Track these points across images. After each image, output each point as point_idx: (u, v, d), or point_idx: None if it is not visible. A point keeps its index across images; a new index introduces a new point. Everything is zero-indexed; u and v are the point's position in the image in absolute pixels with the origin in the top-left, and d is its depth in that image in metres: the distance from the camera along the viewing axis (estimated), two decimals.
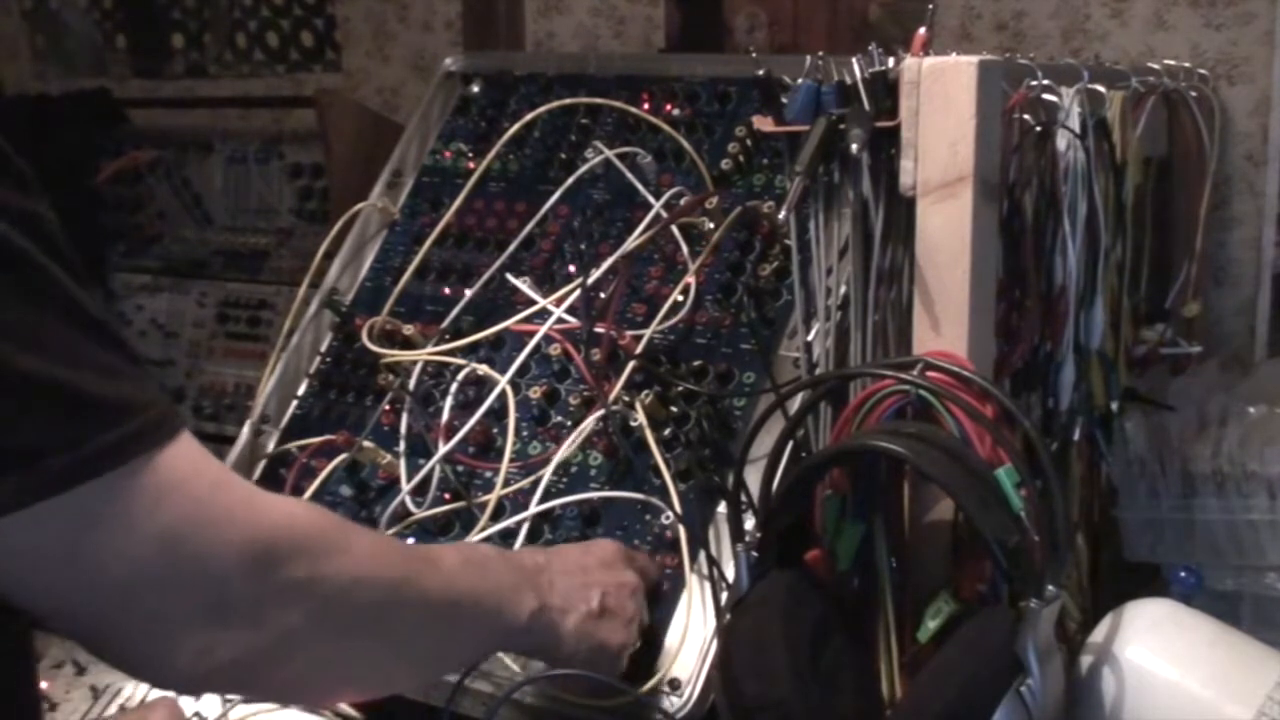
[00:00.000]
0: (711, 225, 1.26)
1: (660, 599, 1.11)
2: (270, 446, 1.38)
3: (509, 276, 1.34)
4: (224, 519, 0.75)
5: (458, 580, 0.92)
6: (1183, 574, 1.23)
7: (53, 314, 0.69)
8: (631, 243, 1.28)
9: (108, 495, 0.69)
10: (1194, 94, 1.49)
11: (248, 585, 0.75)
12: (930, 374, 0.97)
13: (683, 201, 1.29)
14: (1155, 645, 1.03)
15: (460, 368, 1.29)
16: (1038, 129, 1.08)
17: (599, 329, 1.22)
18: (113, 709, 1.24)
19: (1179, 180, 1.49)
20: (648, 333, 1.23)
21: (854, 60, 1.03)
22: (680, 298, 1.25)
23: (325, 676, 0.84)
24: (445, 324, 1.34)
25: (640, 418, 1.17)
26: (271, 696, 0.87)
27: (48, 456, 0.67)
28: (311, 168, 1.97)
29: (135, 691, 1.24)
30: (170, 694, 1.05)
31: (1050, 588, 0.90)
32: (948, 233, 1.01)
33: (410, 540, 1.22)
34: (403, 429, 1.29)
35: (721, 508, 1.12)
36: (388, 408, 1.31)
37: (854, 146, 1.00)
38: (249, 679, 0.80)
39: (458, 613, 0.92)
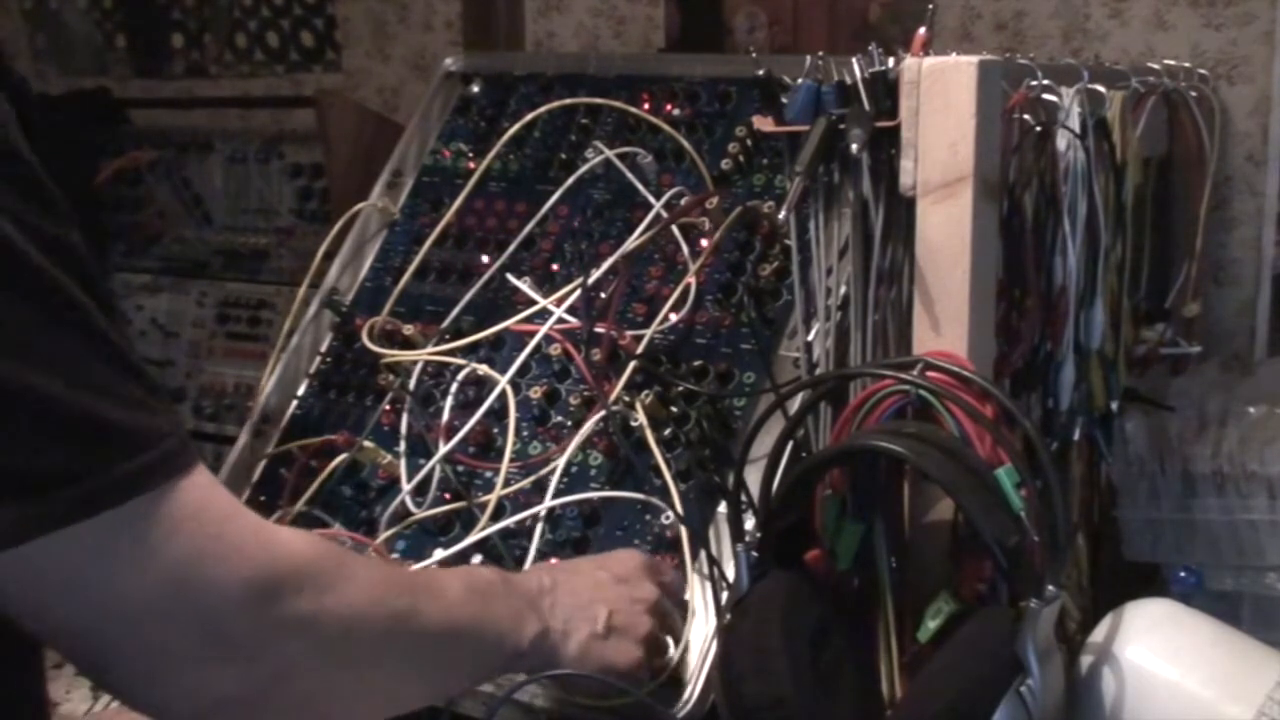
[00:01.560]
0: (711, 225, 1.26)
1: (685, 611, 1.10)
2: (270, 446, 1.38)
3: (509, 276, 1.34)
4: (233, 552, 0.75)
5: (460, 609, 0.92)
6: (1183, 574, 1.23)
7: (78, 342, 0.69)
8: (631, 243, 1.28)
9: (123, 525, 0.69)
10: (1194, 94, 1.49)
11: (251, 619, 0.75)
12: (930, 374, 0.97)
13: (683, 201, 1.29)
14: (1155, 645, 1.03)
15: (460, 368, 1.29)
16: (1038, 129, 1.08)
17: (599, 329, 1.22)
18: (114, 707, 1.24)
19: (1179, 180, 1.49)
20: (648, 333, 1.23)
21: (854, 60, 1.03)
22: (680, 298, 1.24)
23: (325, 707, 0.84)
24: (445, 324, 1.34)
25: (640, 418, 1.17)
26: None
27: (67, 484, 0.67)
28: (311, 168, 1.96)
29: None
30: None
31: (1050, 588, 0.90)
32: (948, 233, 1.01)
33: (409, 542, 1.23)
34: (403, 429, 1.29)
35: (721, 508, 1.12)
36: (388, 408, 1.31)
37: (854, 146, 1.00)
38: (249, 711, 0.80)
39: (459, 641, 0.93)
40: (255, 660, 0.76)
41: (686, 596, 1.11)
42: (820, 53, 1.08)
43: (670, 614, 1.07)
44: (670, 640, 1.07)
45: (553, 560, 1.14)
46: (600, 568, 1.06)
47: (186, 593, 0.72)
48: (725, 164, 1.31)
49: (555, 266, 1.34)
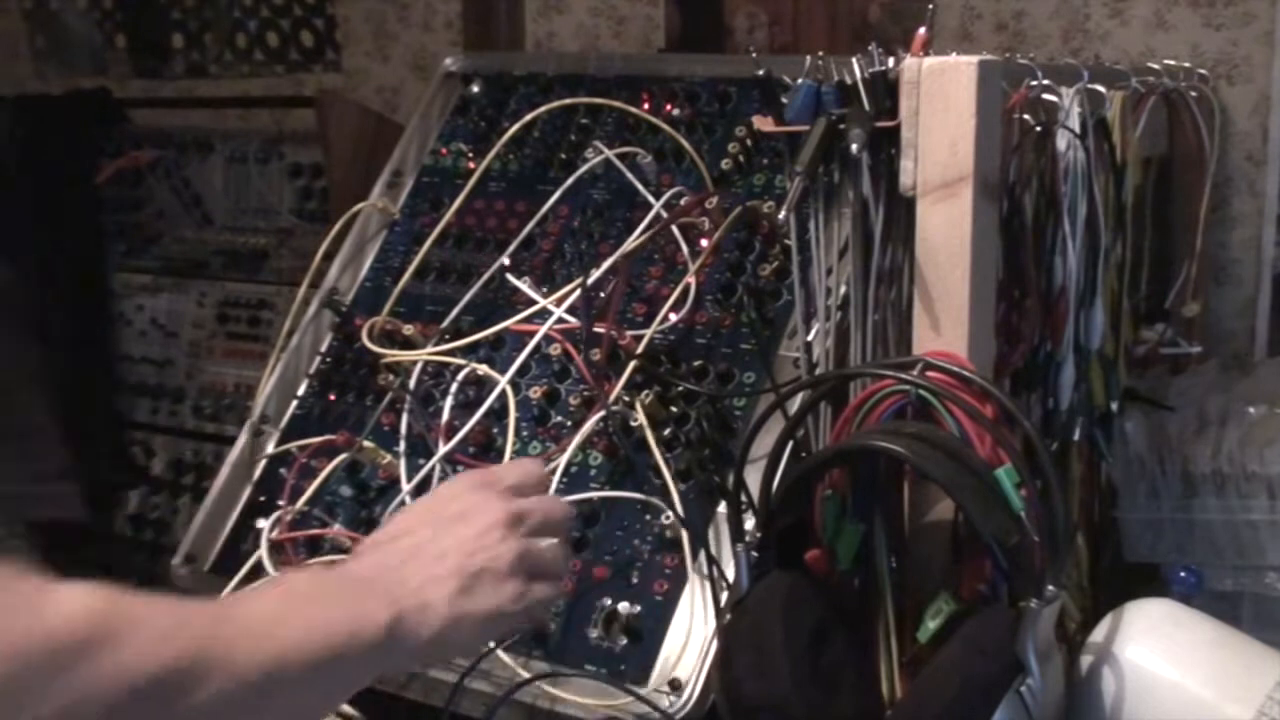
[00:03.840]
0: (711, 225, 1.26)
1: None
2: (270, 446, 1.38)
3: (509, 276, 1.34)
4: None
5: (277, 628, 0.78)
6: (1183, 574, 1.23)
7: None
8: (631, 243, 1.28)
9: None
10: (1194, 94, 1.49)
11: (20, 698, 0.66)
12: (930, 374, 0.97)
13: (683, 201, 1.29)
14: (1155, 645, 1.03)
15: (460, 368, 1.28)
16: (1038, 129, 1.08)
17: (599, 329, 1.22)
18: None
19: (1179, 180, 1.50)
20: (648, 333, 1.23)
21: (854, 60, 1.03)
22: (680, 298, 1.24)
23: None
24: (445, 324, 1.34)
25: (640, 418, 1.17)
26: None
27: None
28: (311, 168, 1.97)
29: None
30: None
31: (1050, 588, 0.90)
32: (948, 233, 1.01)
33: None
34: (403, 429, 1.29)
35: (721, 508, 1.12)
36: (388, 408, 1.31)
37: (854, 146, 1.00)
38: None
39: (284, 668, 0.77)
40: None
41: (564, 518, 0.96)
42: (820, 53, 1.08)
43: (531, 513, 0.91)
44: (556, 543, 0.93)
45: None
46: (429, 511, 0.92)
47: None
48: (725, 164, 1.31)
49: (555, 266, 1.34)
